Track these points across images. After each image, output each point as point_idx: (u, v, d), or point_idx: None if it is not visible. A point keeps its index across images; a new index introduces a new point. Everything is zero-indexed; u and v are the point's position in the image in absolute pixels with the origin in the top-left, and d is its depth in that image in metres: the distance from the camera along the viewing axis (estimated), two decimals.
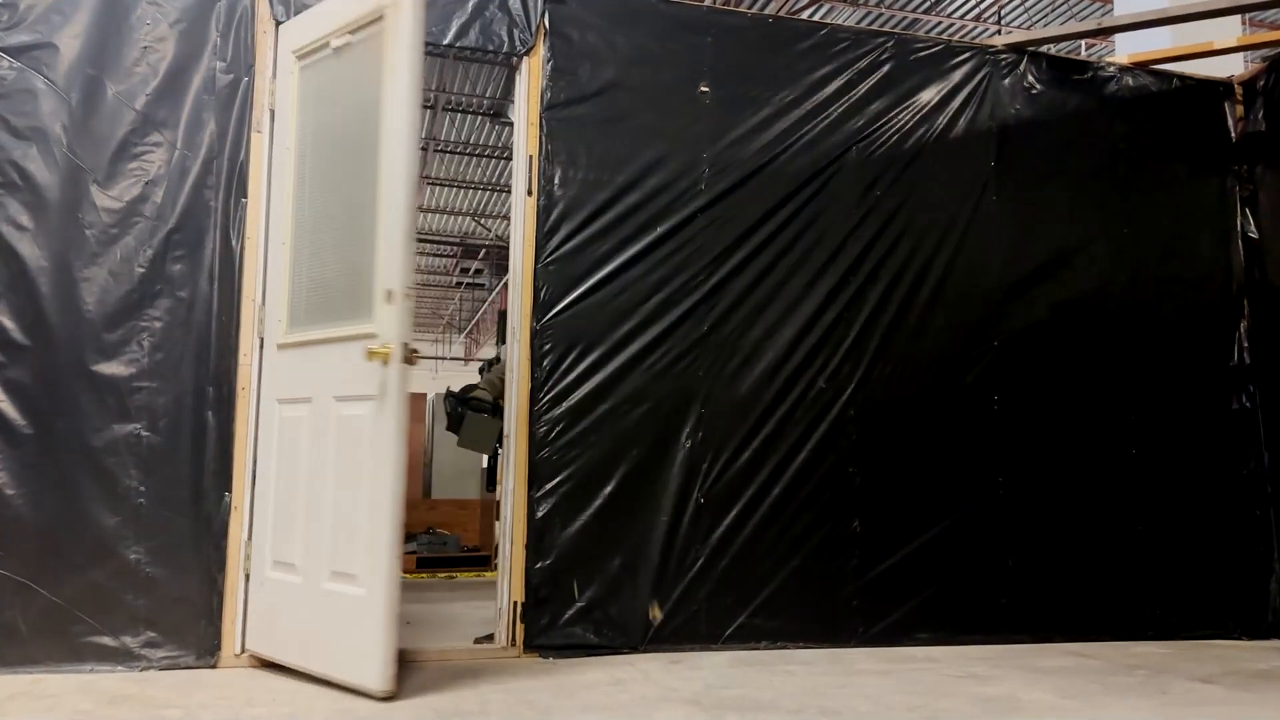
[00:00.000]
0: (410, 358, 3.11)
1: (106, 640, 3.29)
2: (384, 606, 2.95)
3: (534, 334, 3.86)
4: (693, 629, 3.86)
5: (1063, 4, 9.17)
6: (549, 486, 3.79)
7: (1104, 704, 3.07)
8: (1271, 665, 3.82)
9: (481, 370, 6.04)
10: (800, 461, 4.05)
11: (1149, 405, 4.54)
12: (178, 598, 3.36)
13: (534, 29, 3.98)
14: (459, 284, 18.32)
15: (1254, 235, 4.73)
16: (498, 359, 6.03)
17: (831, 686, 3.25)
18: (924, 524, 4.19)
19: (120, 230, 3.47)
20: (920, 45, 4.47)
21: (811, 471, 4.06)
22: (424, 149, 11.69)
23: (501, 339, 5.76)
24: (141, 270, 3.47)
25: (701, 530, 3.92)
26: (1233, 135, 4.83)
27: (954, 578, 4.17)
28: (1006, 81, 4.55)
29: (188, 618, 3.36)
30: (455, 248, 15.78)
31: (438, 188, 13.14)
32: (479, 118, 10.87)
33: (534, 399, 3.83)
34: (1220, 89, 4.86)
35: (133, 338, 3.43)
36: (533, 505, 3.78)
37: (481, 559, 7.53)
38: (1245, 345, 4.70)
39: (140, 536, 3.36)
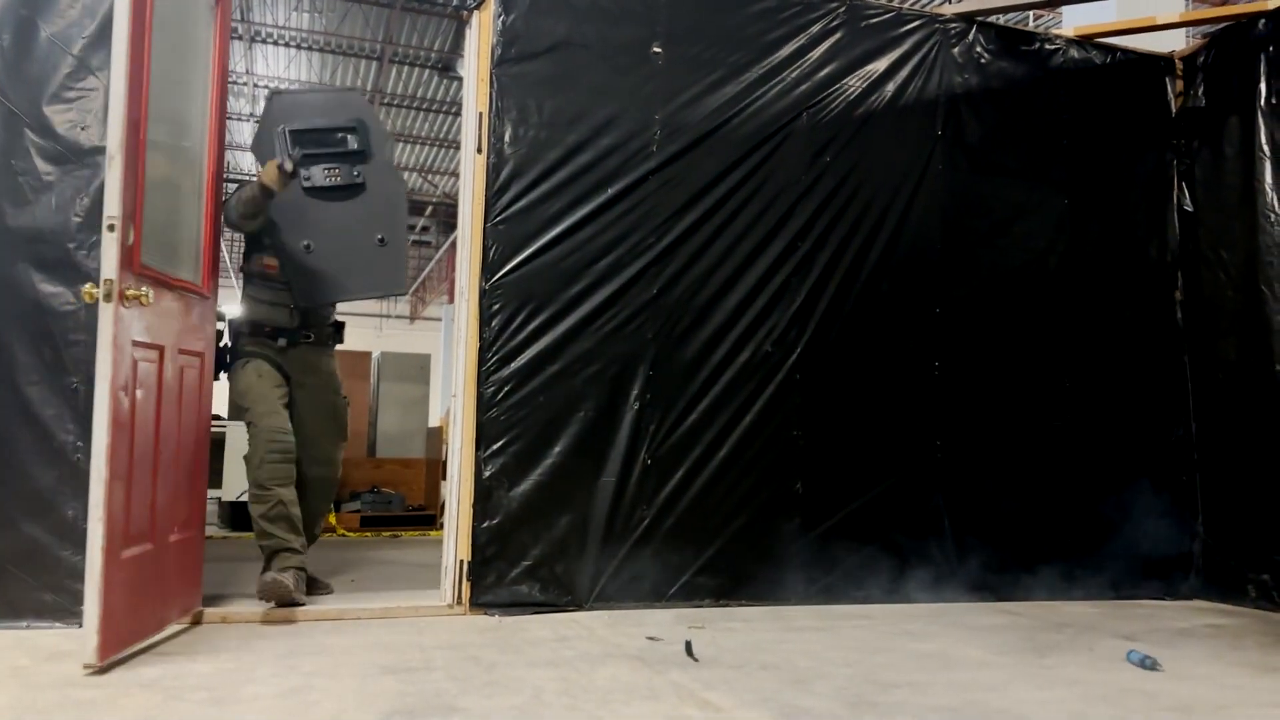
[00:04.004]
0: (122, 294, 2.73)
1: (45, 596, 3.24)
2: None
3: (483, 294, 3.84)
4: (638, 587, 3.90)
5: None
6: (496, 446, 3.79)
7: (1033, 660, 3.19)
8: (1192, 624, 3.99)
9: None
10: (746, 424, 4.10)
11: (1083, 373, 4.65)
12: None
13: None
14: None
15: (1189, 208, 4.85)
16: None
17: (772, 642, 3.32)
18: (864, 485, 4.27)
19: (56, 178, 3.37)
20: (871, 12, 4.49)
21: (757, 434, 4.11)
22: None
23: None
24: (78, 219, 3.37)
25: (648, 490, 3.95)
26: (1172, 110, 4.93)
27: (892, 538, 4.26)
28: (955, 50, 4.59)
29: None
30: None
31: None
32: (426, 71, 10.68)
33: (482, 359, 3.82)
34: (1161, 64, 4.96)
35: (69, 288, 3.34)
36: (480, 465, 3.78)
37: (427, 518, 7.51)
38: (1179, 315, 4.83)
39: (79, 492, 3.29)
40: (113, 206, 2.72)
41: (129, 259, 2.78)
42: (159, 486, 3.05)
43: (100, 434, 2.66)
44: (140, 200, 2.86)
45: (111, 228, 2.70)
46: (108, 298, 2.68)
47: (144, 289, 2.83)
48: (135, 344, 2.85)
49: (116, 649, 2.79)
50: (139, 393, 2.88)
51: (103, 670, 2.68)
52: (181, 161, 3.34)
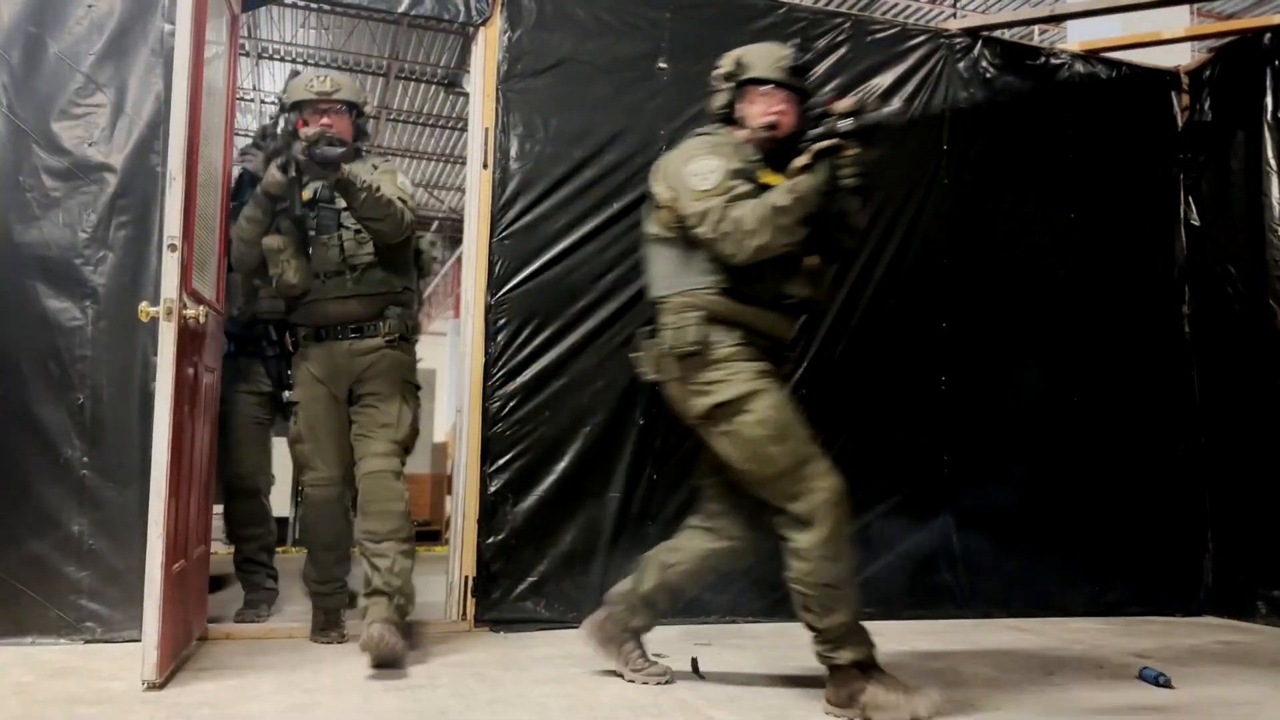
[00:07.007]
0: (181, 314, 2.72)
1: (50, 612, 3.23)
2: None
3: (488, 309, 3.83)
4: None
5: None
6: (502, 462, 3.79)
7: (1042, 677, 3.16)
8: (1203, 640, 3.95)
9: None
10: None
11: (1092, 388, 4.63)
12: (123, 570, 3.30)
13: None
14: None
15: (1195, 223, 4.83)
16: None
17: (779, 659, 3.30)
18: (870, 501, 4.24)
19: (63, 193, 3.37)
20: (876, 27, 4.49)
21: None
22: (376, 118, 11.51)
23: None
24: (85, 235, 3.37)
25: (654, 506, 3.93)
26: (1178, 124, 4.92)
27: (898, 554, 4.23)
28: (960, 65, 4.59)
29: (133, 590, 3.30)
30: None
31: (389, 158, 12.94)
32: (432, 87, 10.72)
33: (487, 374, 3.82)
34: (1167, 78, 4.95)
35: (76, 304, 3.34)
36: (485, 480, 3.77)
37: (431, 533, 7.50)
38: (1186, 330, 4.81)
39: (85, 508, 3.29)
40: (173, 227, 2.72)
41: (185, 279, 2.80)
42: (192, 502, 3.08)
43: (160, 450, 2.67)
44: (193, 220, 2.88)
45: (173, 248, 2.70)
46: (168, 316, 2.68)
47: (201, 308, 2.85)
48: (183, 361, 2.87)
49: (170, 664, 2.79)
50: (185, 409, 2.90)
51: (107, 686, 2.67)
52: (203, 176, 3.35)
